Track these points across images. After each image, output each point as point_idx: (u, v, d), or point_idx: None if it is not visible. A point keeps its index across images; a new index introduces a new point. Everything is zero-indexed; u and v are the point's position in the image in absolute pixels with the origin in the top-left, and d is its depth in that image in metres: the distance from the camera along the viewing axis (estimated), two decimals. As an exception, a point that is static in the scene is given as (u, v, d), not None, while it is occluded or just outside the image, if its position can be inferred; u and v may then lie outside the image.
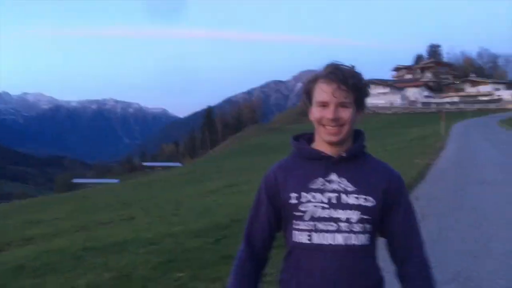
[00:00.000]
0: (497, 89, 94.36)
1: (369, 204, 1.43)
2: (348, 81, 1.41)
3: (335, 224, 1.41)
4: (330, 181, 1.45)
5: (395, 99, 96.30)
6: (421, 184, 9.16)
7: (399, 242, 1.51)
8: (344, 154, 1.47)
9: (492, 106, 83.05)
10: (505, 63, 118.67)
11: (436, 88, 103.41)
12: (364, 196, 1.43)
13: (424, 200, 7.41)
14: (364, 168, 1.50)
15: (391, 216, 1.49)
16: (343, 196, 1.43)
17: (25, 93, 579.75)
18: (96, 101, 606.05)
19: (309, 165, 1.49)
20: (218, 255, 5.04)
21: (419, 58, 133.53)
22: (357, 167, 1.49)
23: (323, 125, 1.44)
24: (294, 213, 1.45)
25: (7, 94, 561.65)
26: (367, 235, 1.45)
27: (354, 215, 1.42)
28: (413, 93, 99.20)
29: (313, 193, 1.44)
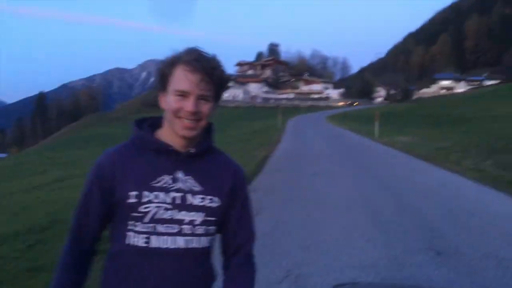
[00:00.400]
0: (326, 88, 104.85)
1: (214, 205, 1.36)
2: (214, 72, 1.30)
3: (177, 227, 1.31)
4: (175, 180, 1.33)
5: (238, 93, 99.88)
6: (259, 176, 9.28)
7: (232, 236, 1.47)
8: (193, 151, 1.36)
9: (322, 103, 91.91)
10: (333, 64, 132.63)
11: (274, 84, 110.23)
12: (210, 197, 1.36)
13: (261, 192, 7.44)
14: (211, 165, 1.42)
15: (230, 212, 1.44)
16: (189, 197, 1.33)
17: None
18: None
19: (154, 159, 1.34)
20: (25, 267, 4.19)
21: (260, 55, 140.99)
22: (204, 165, 1.40)
23: (179, 117, 1.30)
24: (133, 213, 1.29)
25: None
26: (208, 238, 1.37)
27: (198, 217, 1.33)
28: (254, 89, 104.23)
29: (157, 192, 1.30)
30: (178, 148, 1.35)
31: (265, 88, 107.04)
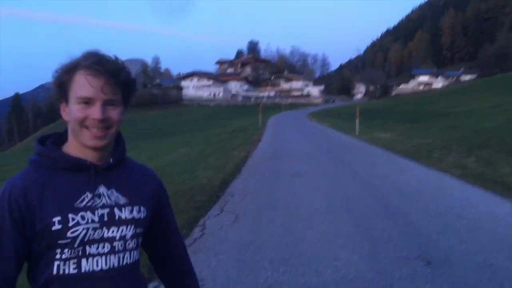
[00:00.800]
0: (307, 85, 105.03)
1: (142, 215, 1.29)
2: (118, 74, 1.20)
3: (109, 245, 1.22)
4: (99, 195, 1.22)
5: (218, 92, 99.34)
6: (237, 179, 8.88)
7: (168, 248, 1.44)
8: (110, 161, 1.26)
9: (302, 100, 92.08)
10: (312, 61, 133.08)
11: (255, 82, 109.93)
12: (136, 207, 1.28)
13: (238, 197, 7.06)
14: (130, 175, 1.33)
15: (163, 226, 1.41)
16: (116, 211, 1.24)
17: None
18: None
19: (70, 177, 1.20)
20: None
21: (239, 53, 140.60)
22: (123, 175, 1.30)
23: (86, 127, 1.19)
24: (60, 241, 1.15)
25: None
26: (138, 250, 1.31)
27: (129, 231, 1.25)
28: (235, 87, 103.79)
29: (82, 213, 1.18)
30: (93, 161, 1.23)
31: (246, 86, 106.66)
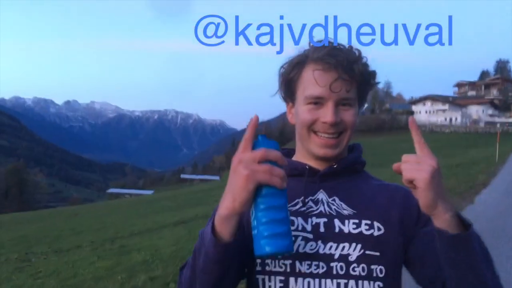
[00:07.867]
0: None
1: (374, 233, 0.99)
2: (353, 67, 1.00)
3: (324, 265, 0.97)
4: (316, 201, 1.04)
5: (455, 117, 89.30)
6: None
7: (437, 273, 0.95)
8: (335, 166, 1.07)
9: None
10: None
11: (502, 106, 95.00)
12: (367, 221, 1.00)
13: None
14: (363, 186, 1.09)
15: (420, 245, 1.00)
16: (336, 222, 1.01)
17: (93, 102, 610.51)
18: (158, 111, 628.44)
19: (289, 183, 0.89)
20: None
21: (484, 74, 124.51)
22: (354, 185, 1.08)
23: (315, 132, 1.04)
24: None
25: (76, 102, 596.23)
26: (375, 283, 0.95)
27: (353, 250, 0.97)
28: (476, 111, 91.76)
29: (293, 218, 1.01)
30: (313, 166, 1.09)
31: (490, 111, 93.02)
